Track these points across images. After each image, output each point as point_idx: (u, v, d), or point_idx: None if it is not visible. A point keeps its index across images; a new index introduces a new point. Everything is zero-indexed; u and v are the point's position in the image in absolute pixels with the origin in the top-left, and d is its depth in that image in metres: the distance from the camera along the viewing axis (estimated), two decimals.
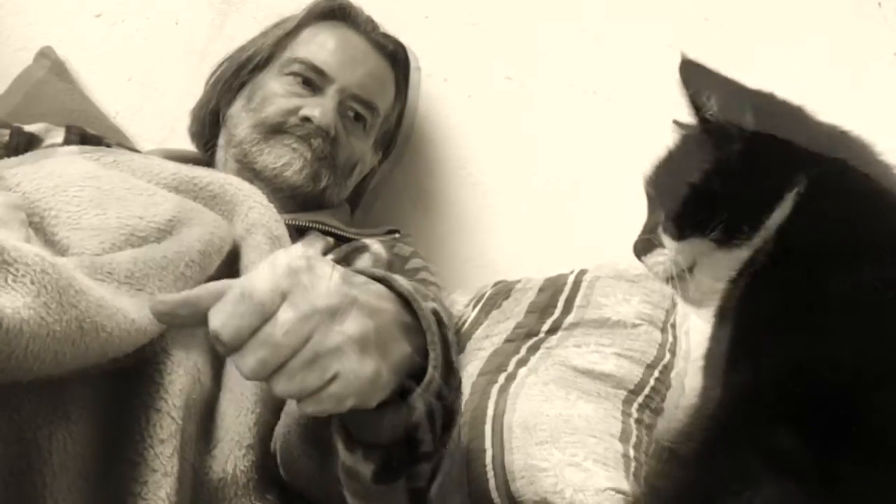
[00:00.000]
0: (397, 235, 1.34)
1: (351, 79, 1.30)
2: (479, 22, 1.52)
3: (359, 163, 1.36)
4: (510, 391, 0.99)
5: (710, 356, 0.68)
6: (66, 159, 1.01)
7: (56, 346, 0.59)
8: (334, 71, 1.29)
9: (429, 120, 1.55)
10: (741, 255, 0.65)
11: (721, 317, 0.67)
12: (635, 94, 1.42)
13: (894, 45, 1.30)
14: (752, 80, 1.35)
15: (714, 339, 0.68)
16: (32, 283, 0.58)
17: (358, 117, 1.33)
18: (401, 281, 0.72)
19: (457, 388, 0.77)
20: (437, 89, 1.54)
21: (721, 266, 0.66)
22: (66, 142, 1.24)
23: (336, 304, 0.60)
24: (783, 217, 0.63)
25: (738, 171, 0.65)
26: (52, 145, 1.23)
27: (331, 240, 1.22)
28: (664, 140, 1.37)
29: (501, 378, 1.02)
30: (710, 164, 0.66)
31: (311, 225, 1.22)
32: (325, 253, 1.19)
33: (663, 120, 1.38)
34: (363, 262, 1.18)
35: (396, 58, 1.41)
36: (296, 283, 0.59)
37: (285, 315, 0.58)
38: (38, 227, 0.87)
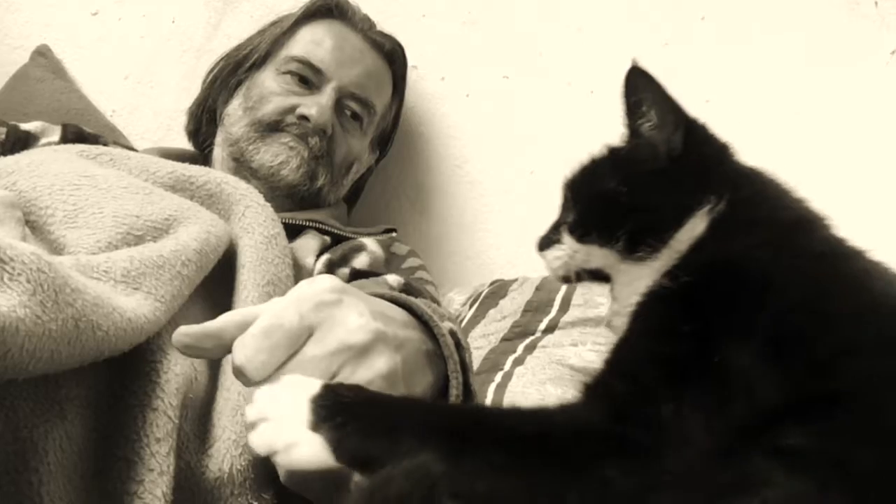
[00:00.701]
0: (394, 234, 1.34)
1: (348, 77, 1.30)
2: (476, 21, 1.52)
3: (356, 161, 1.36)
4: (507, 390, 1.00)
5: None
6: (62, 158, 1.00)
7: (52, 344, 0.59)
8: (331, 69, 1.29)
9: (426, 119, 1.55)
10: (648, 270, 0.64)
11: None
12: None
13: (891, 44, 1.30)
14: (749, 78, 1.35)
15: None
16: (28, 281, 0.58)
17: (355, 116, 1.32)
18: (419, 304, 0.72)
19: None
20: (435, 88, 1.54)
21: (634, 279, 0.65)
22: (63, 140, 1.24)
23: (365, 341, 0.59)
24: (693, 237, 0.63)
25: (654, 187, 0.65)
26: (49, 143, 1.23)
27: (327, 238, 1.22)
28: None
29: (498, 377, 1.03)
30: (629, 175, 0.66)
31: (307, 224, 1.22)
32: (321, 252, 1.19)
33: None
34: (360, 261, 1.18)
35: (393, 56, 1.41)
36: (324, 317, 0.59)
37: (312, 351, 0.58)
38: (34, 225, 0.87)
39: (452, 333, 0.71)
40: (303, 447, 0.53)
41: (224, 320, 0.61)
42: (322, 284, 0.61)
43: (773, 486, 0.47)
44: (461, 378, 0.69)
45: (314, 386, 0.55)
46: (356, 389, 0.56)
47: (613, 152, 0.70)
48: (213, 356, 0.65)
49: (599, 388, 0.57)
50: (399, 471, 0.48)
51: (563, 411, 0.56)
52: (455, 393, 0.68)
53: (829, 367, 0.52)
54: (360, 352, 0.59)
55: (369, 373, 0.59)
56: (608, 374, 0.59)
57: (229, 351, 0.59)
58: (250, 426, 0.56)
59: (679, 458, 0.50)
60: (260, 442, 0.55)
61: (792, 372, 0.53)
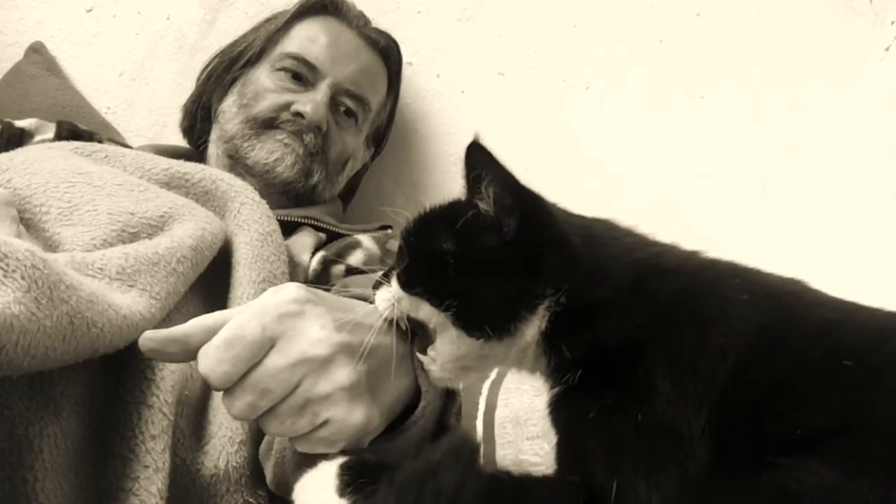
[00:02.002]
0: (390, 231, 1.34)
1: (343, 74, 1.30)
2: (471, 17, 1.52)
3: (351, 158, 1.36)
4: (502, 386, 1.00)
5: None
6: (57, 155, 1.00)
7: (47, 341, 0.59)
8: (326, 66, 1.29)
9: (421, 115, 1.55)
10: (494, 349, 0.66)
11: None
12: (628, 90, 1.42)
13: (885, 40, 1.30)
14: (744, 75, 1.35)
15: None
16: (23, 278, 0.58)
17: (349, 112, 1.32)
18: None
19: (458, 413, 0.77)
20: (430, 85, 1.54)
21: (462, 346, 0.66)
22: (58, 137, 1.23)
23: (325, 354, 0.60)
24: (539, 329, 0.63)
25: (483, 269, 0.64)
26: (43, 141, 1.23)
27: (323, 235, 1.22)
28: (658, 134, 1.38)
29: (493, 373, 1.03)
30: (458, 246, 0.65)
31: (302, 221, 1.22)
32: (317, 249, 1.19)
33: (655, 114, 1.39)
34: (355, 258, 1.18)
35: (388, 53, 1.41)
36: (286, 329, 0.59)
37: (273, 362, 0.58)
38: (28, 223, 0.87)
39: None
40: None
41: (191, 326, 0.61)
42: (286, 295, 0.62)
43: None
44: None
45: (340, 458, 0.61)
46: (375, 462, 0.60)
47: (452, 209, 0.69)
48: (180, 360, 0.66)
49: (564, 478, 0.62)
50: None
51: (545, 485, 0.61)
52: (427, 399, 0.68)
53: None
54: (321, 364, 0.60)
55: (330, 385, 0.60)
56: (563, 472, 0.62)
57: (194, 356, 0.59)
58: (295, 497, 0.60)
59: None
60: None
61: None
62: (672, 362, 0.58)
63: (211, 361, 0.58)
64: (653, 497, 0.56)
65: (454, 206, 0.70)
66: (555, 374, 0.64)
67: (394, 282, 0.67)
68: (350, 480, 0.59)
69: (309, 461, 0.78)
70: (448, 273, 0.64)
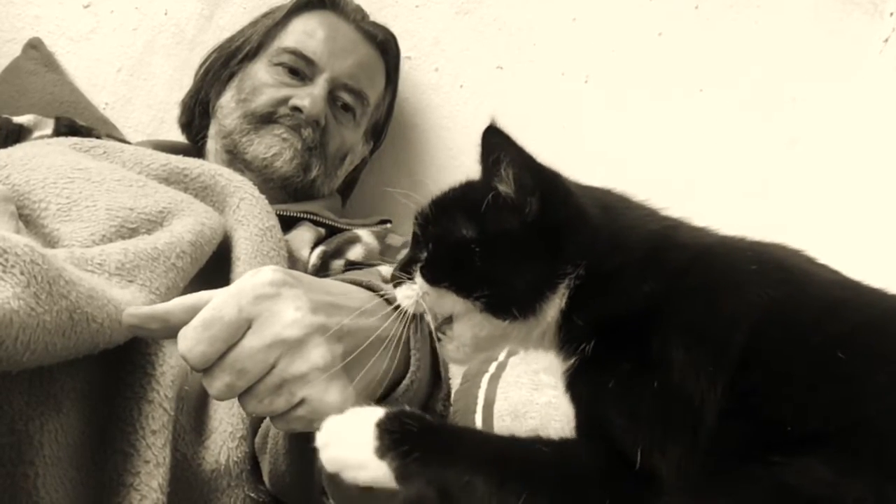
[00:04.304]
0: (389, 225, 1.34)
1: (340, 68, 1.30)
2: (470, 11, 1.52)
3: (349, 152, 1.36)
4: (501, 380, 1.00)
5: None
6: (55, 151, 1.00)
7: (46, 336, 0.59)
8: (323, 60, 1.29)
9: (420, 109, 1.55)
10: (518, 330, 0.66)
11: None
12: (626, 82, 1.42)
13: (884, 32, 1.30)
14: (743, 67, 1.35)
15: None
16: (22, 273, 0.58)
17: (347, 107, 1.32)
18: (387, 290, 0.73)
19: (444, 399, 0.77)
20: (428, 78, 1.54)
21: (485, 328, 0.66)
22: (56, 133, 1.23)
23: (299, 335, 0.61)
24: (560, 307, 0.64)
25: (509, 252, 0.64)
26: (42, 137, 1.23)
27: (322, 230, 1.22)
28: (657, 127, 1.38)
29: (492, 367, 1.03)
30: (484, 232, 0.65)
31: (302, 215, 1.22)
32: (316, 243, 1.19)
33: (654, 106, 1.39)
34: (355, 252, 1.18)
35: (386, 47, 1.41)
36: (261, 310, 0.60)
37: (249, 343, 0.59)
38: (27, 219, 0.87)
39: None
40: (369, 471, 0.58)
41: (172, 304, 0.62)
42: (263, 277, 0.62)
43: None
44: (427, 361, 0.71)
45: (378, 413, 0.60)
46: (418, 418, 0.60)
47: (470, 193, 0.68)
48: (161, 337, 0.66)
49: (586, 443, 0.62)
50: (454, 486, 0.57)
51: (581, 448, 0.62)
52: (412, 378, 0.69)
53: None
54: (295, 345, 0.60)
55: (305, 365, 0.60)
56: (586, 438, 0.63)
57: (175, 335, 0.60)
58: (322, 446, 0.60)
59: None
60: (330, 460, 0.60)
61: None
62: (684, 330, 0.58)
63: (189, 342, 0.59)
64: (663, 465, 0.56)
65: (469, 189, 0.69)
66: (569, 347, 0.64)
67: (418, 277, 0.67)
68: (391, 444, 0.59)
69: (296, 442, 0.79)
70: (474, 261, 0.64)
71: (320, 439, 0.60)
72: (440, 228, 0.67)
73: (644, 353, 0.59)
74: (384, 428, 0.59)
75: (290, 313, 0.61)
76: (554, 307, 0.64)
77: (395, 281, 0.69)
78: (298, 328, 0.61)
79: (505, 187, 0.65)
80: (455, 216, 0.67)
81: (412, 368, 0.69)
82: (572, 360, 0.64)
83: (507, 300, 0.64)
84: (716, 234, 0.68)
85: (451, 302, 0.66)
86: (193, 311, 0.60)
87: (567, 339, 0.64)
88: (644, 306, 0.61)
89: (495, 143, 0.65)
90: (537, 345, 0.68)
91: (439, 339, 0.69)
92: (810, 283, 0.60)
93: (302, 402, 0.61)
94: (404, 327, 0.68)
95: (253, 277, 0.62)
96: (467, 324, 0.67)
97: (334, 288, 0.68)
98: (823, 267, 0.63)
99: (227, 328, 0.59)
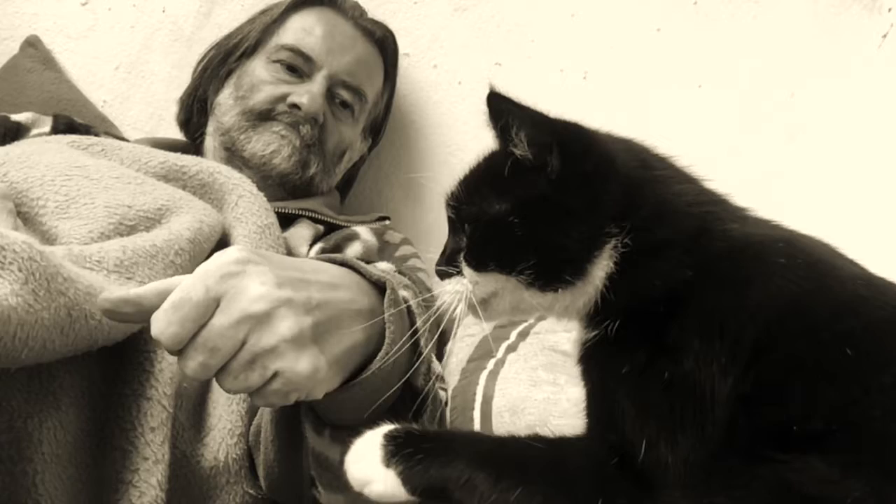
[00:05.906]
0: (387, 222, 1.34)
1: (339, 65, 1.30)
2: (468, 7, 1.51)
3: (348, 150, 1.36)
4: (499, 376, 1.00)
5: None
6: (53, 148, 1.00)
7: (45, 333, 0.59)
8: (322, 57, 1.29)
9: (418, 106, 1.55)
10: (563, 299, 0.64)
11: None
12: (625, 79, 1.42)
13: (883, 27, 1.30)
14: (741, 63, 1.35)
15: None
16: (20, 270, 0.58)
17: (346, 104, 1.32)
18: (370, 269, 0.73)
19: (426, 374, 0.78)
20: (427, 75, 1.54)
21: (526, 301, 0.64)
22: (54, 131, 1.23)
23: (265, 309, 0.61)
24: (607, 270, 0.61)
25: (545, 217, 0.62)
26: (40, 134, 1.22)
27: (321, 227, 1.22)
28: (656, 123, 1.38)
29: (490, 363, 1.03)
30: (517, 201, 0.63)
31: (300, 212, 1.22)
32: (315, 241, 1.19)
33: (653, 103, 1.39)
34: (353, 249, 1.18)
35: (384, 43, 1.41)
36: (227, 288, 0.60)
37: (219, 321, 0.60)
38: (26, 216, 0.87)
39: (405, 299, 0.74)
40: (377, 483, 0.60)
41: (144, 289, 0.62)
42: (228, 256, 0.63)
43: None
44: (401, 336, 0.71)
45: (388, 427, 0.63)
46: (422, 428, 0.63)
47: (493, 165, 0.66)
48: (135, 321, 0.66)
49: (596, 434, 0.63)
50: (456, 484, 0.59)
51: (577, 445, 0.63)
52: (386, 351, 0.69)
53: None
54: (262, 319, 0.61)
55: (274, 338, 0.61)
56: (595, 427, 0.63)
57: (149, 319, 0.61)
58: (346, 466, 0.63)
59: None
60: (352, 478, 0.62)
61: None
62: (704, 319, 0.58)
63: (161, 324, 0.59)
64: (670, 458, 0.56)
65: (491, 161, 0.67)
66: (595, 319, 0.63)
67: (465, 268, 0.65)
68: (395, 450, 0.60)
69: (283, 428, 0.79)
70: (515, 233, 0.62)
71: (347, 459, 0.63)
72: (474, 207, 0.66)
73: (662, 340, 0.58)
74: (390, 436, 0.61)
75: (255, 288, 0.61)
76: (601, 270, 0.61)
77: (443, 275, 0.68)
78: (264, 302, 0.61)
79: (521, 151, 0.63)
80: (485, 192, 0.65)
81: (387, 341, 0.69)
82: (594, 334, 0.62)
83: (554, 267, 0.62)
84: (753, 216, 0.66)
85: (494, 281, 0.64)
86: (164, 295, 0.60)
87: (596, 312, 0.63)
88: (676, 288, 0.59)
89: (501, 108, 0.64)
90: (567, 314, 0.66)
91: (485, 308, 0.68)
92: (833, 279, 0.59)
93: (276, 375, 0.61)
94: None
95: (219, 258, 0.63)
96: (507, 298, 0.65)
97: (305, 265, 0.69)
98: (853, 263, 0.62)
99: (195, 308, 0.59)
